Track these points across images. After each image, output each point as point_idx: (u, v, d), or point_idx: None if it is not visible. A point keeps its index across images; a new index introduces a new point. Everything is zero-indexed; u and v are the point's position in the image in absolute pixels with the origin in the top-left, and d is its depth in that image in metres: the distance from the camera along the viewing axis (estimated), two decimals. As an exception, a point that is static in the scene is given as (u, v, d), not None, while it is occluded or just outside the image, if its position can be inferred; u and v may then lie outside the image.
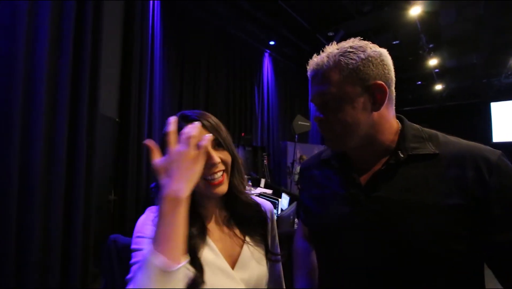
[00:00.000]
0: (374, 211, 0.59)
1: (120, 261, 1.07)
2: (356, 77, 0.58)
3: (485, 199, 0.51)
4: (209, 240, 0.63)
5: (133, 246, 0.58)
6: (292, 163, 4.90)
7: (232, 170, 0.67)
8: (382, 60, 0.60)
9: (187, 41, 4.45)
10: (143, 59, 3.40)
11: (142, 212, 0.65)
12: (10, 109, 1.76)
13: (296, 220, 2.18)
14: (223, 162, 0.64)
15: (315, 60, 0.63)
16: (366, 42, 0.62)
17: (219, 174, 0.62)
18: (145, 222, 0.61)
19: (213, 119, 0.67)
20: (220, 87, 5.09)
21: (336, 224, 0.64)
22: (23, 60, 1.82)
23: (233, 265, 0.63)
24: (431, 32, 6.04)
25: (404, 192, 0.57)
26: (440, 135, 0.62)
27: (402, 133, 0.62)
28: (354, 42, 0.62)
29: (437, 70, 8.35)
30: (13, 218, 1.73)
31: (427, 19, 5.54)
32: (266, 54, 6.45)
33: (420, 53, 6.79)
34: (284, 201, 2.60)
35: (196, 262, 0.58)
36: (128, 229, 3.00)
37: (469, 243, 0.52)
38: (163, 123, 4.09)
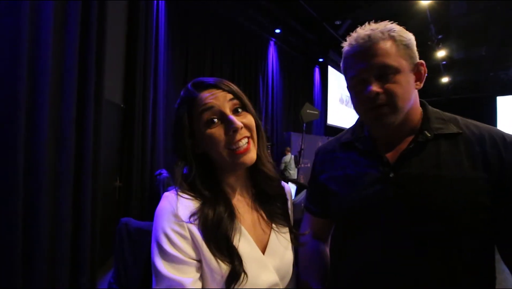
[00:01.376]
0: (405, 187, 0.61)
1: (131, 243, 1.06)
2: (407, 54, 0.61)
3: (501, 172, 0.57)
4: (242, 228, 0.58)
5: (163, 268, 0.50)
6: (300, 153, 4.89)
7: (257, 136, 0.61)
8: (415, 44, 0.64)
9: (192, 28, 4.37)
10: (148, 46, 3.35)
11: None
12: (16, 96, 1.71)
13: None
14: (247, 127, 0.58)
15: (366, 32, 0.62)
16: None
17: (244, 141, 0.56)
18: (170, 219, 0.53)
19: (232, 85, 0.61)
20: (225, 75, 5.03)
21: (366, 203, 0.65)
22: (27, 46, 1.77)
23: (263, 250, 0.60)
24: (440, 22, 5.91)
25: (433, 168, 0.60)
26: (459, 118, 0.67)
27: (425, 115, 0.66)
28: (392, 24, 0.63)
29: (444, 62, 8.23)
30: (20, 206, 1.71)
31: (437, 9, 5.41)
32: (272, 43, 6.34)
33: (428, 44, 6.67)
34: (291, 191, 2.58)
35: (233, 254, 0.52)
36: (134, 216, 3.01)
37: (491, 212, 0.57)
38: (168, 109, 4.09)
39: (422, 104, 0.69)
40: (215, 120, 0.56)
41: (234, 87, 0.61)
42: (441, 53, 7.39)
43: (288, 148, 5.32)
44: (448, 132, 0.62)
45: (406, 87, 0.60)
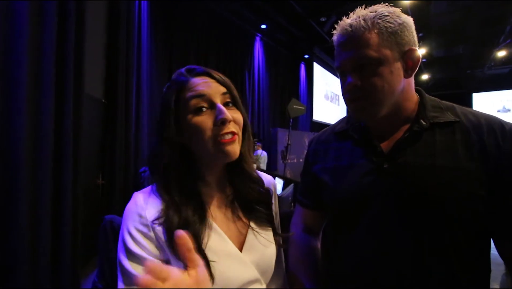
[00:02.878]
0: (400, 178, 0.59)
1: (116, 241, 1.03)
2: (394, 42, 0.57)
3: (499, 162, 0.55)
4: (214, 224, 0.56)
5: (128, 266, 0.50)
6: (286, 148, 4.93)
7: (243, 135, 0.59)
8: (412, 28, 0.60)
9: (176, 22, 4.27)
10: (130, 40, 3.25)
11: (131, 196, 0.57)
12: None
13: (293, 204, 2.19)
14: (235, 122, 0.55)
15: (348, 22, 0.59)
16: (396, 8, 0.61)
17: (230, 135, 0.53)
18: (135, 219, 0.52)
19: (226, 78, 0.59)
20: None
21: (359, 194, 0.63)
22: (1, 39, 1.67)
23: (240, 247, 0.58)
24: (421, 20, 6.06)
25: (429, 158, 0.58)
26: (457, 106, 0.64)
27: (422, 103, 0.64)
28: (384, 7, 0.60)
29: (424, 60, 8.48)
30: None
31: (418, 7, 5.56)
32: (257, 38, 6.31)
33: (409, 42, 6.83)
34: (278, 185, 2.61)
35: (201, 253, 0.50)
36: (117, 214, 2.93)
37: (486, 203, 0.55)
38: (152, 104, 3.99)
39: (419, 92, 0.67)
40: (204, 108, 0.54)
41: (228, 80, 0.59)
42: (421, 51, 7.60)
43: (260, 144, 5.63)
44: (444, 120, 0.60)
45: (389, 79, 0.57)
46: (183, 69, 0.59)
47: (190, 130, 0.54)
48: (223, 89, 0.56)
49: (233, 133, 0.54)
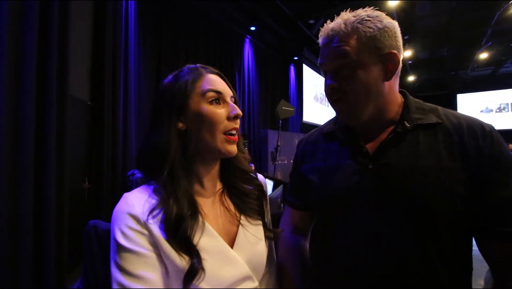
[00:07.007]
0: (384, 178, 0.60)
1: (101, 247, 1.00)
2: (373, 46, 0.59)
3: (479, 163, 0.57)
4: (205, 223, 0.57)
5: (118, 259, 0.50)
6: (276, 149, 4.94)
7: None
8: (395, 32, 0.62)
9: (165, 22, 4.23)
10: (117, 40, 3.18)
11: (119, 200, 0.57)
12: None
13: (282, 205, 2.19)
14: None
15: (330, 25, 0.62)
16: (381, 12, 0.63)
17: (235, 133, 0.60)
18: (125, 218, 0.52)
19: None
20: (200, 72, 4.91)
21: (345, 194, 0.64)
22: None
23: (231, 244, 0.59)
24: (407, 23, 6.20)
25: (412, 158, 0.59)
26: (440, 108, 0.66)
27: (406, 105, 0.66)
28: (368, 11, 0.62)
29: (410, 62, 8.67)
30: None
31: (404, 10, 5.68)
32: (247, 40, 6.31)
33: (396, 44, 6.96)
34: (268, 187, 2.60)
35: (191, 250, 0.52)
36: (104, 218, 2.86)
37: (468, 202, 0.56)
38: (140, 106, 3.91)
39: (403, 94, 0.69)
40: (220, 102, 0.59)
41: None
42: (407, 53, 7.78)
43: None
44: (427, 122, 0.62)
45: (366, 81, 0.59)
46: (197, 65, 0.64)
47: (201, 119, 0.56)
48: (231, 92, 0.63)
49: (237, 131, 0.60)
